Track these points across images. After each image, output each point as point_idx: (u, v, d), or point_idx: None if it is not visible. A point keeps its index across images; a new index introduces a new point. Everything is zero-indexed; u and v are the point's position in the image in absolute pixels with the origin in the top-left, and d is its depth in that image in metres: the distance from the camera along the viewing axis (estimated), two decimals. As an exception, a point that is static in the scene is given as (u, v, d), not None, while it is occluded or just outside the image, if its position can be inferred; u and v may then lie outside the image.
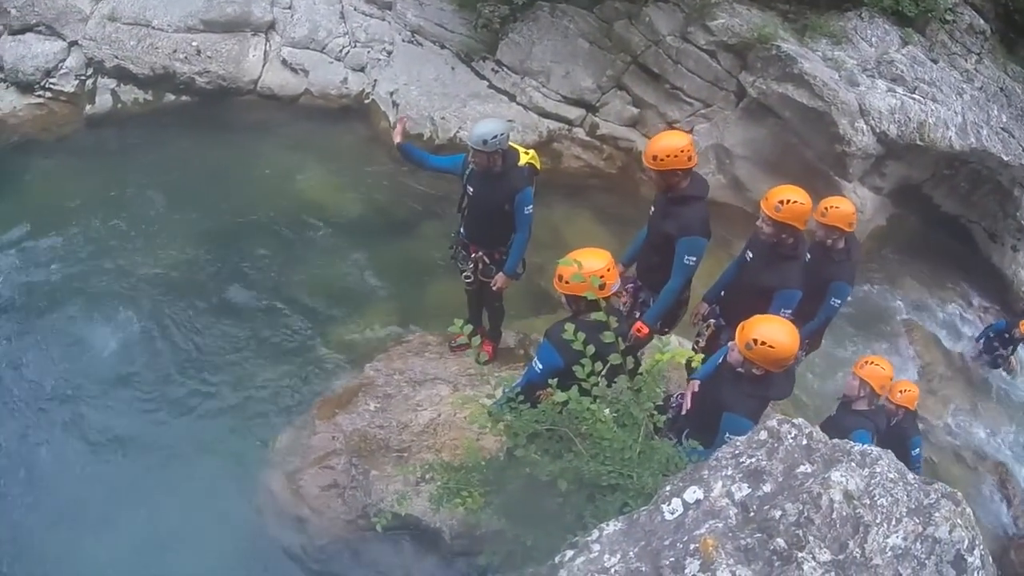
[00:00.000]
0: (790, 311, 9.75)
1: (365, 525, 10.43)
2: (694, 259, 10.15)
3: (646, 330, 10.47)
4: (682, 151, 9.87)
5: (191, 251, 15.81)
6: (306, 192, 17.63)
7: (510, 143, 10.72)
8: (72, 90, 19.24)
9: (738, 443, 5.30)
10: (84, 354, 13.68)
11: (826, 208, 10.52)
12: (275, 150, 18.74)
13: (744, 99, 18.31)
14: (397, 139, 11.16)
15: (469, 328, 7.88)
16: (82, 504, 11.50)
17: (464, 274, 11.54)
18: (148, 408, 12.93)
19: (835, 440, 5.33)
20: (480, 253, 11.22)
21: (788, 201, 9.63)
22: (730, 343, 8.47)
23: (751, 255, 10.50)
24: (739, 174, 17.89)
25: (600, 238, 14.71)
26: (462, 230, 11.39)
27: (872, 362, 11.35)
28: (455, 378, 11.85)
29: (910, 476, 5.02)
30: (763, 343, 7.91)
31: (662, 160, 9.91)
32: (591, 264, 7.70)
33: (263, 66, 19.88)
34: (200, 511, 11.18)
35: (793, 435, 5.25)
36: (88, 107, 19.24)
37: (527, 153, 10.85)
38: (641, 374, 7.36)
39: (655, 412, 7.28)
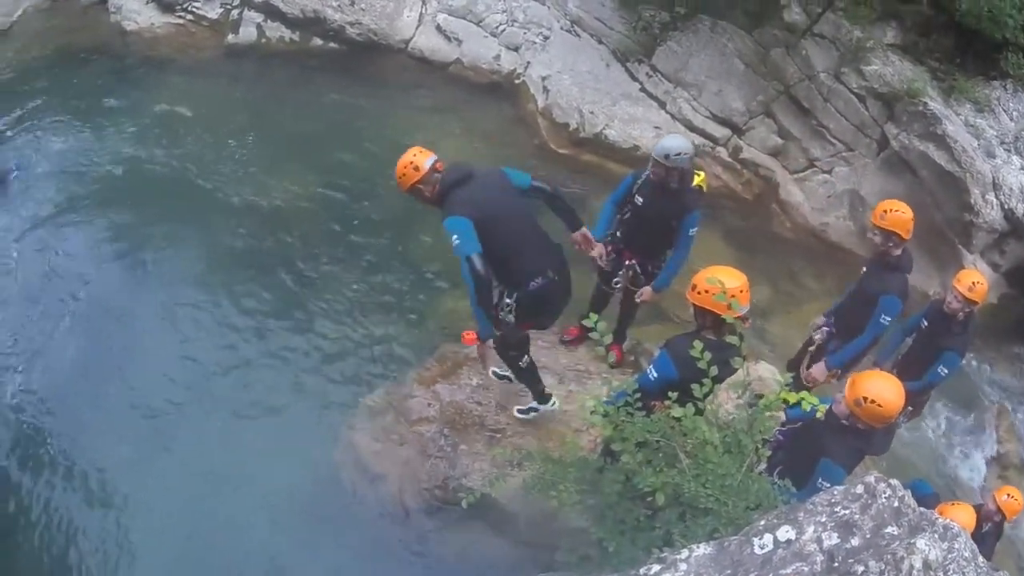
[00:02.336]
0: (891, 318, 10.51)
1: (441, 496, 10.56)
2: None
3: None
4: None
5: (310, 196, 16.16)
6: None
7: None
8: (215, 17, 19.90)
9: (835, 492, 5.34)
10: (188, 282, 14.15)
11: (885, 211, 10.47)
12: (415, 113, 18.92)
13: (886, 150, 18.10)
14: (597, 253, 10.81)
15: (604, 325, 7.69)
16: (164, 435, 11.93)
17: (615, 279, 11.45)
18: (244, 347, 13.23)
19: (923, 509, 5.40)
20: (634, 262, 11.17)
21: (891, 210, 10.44)
22: (837, 395, 8.50)
23: (865, 269, 11.07)
24: (868, 224, 17.84)
25: (725, 260, 14.40)
26: (619, 235, 11.25)
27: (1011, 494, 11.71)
28: (563, 371, 11.74)
29: (980, 559, 5.07)
30: (872, 401, 7.92)
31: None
32: (728, 283, 7.72)
33: (416, 28, 20.15)
34: (275, 456, 11.47)
35: (887, 495, 5.30)
36: (230, 36, 19.82)
37: (698, 175, 10.78)
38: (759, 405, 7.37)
39: (761, 446, 7.30)
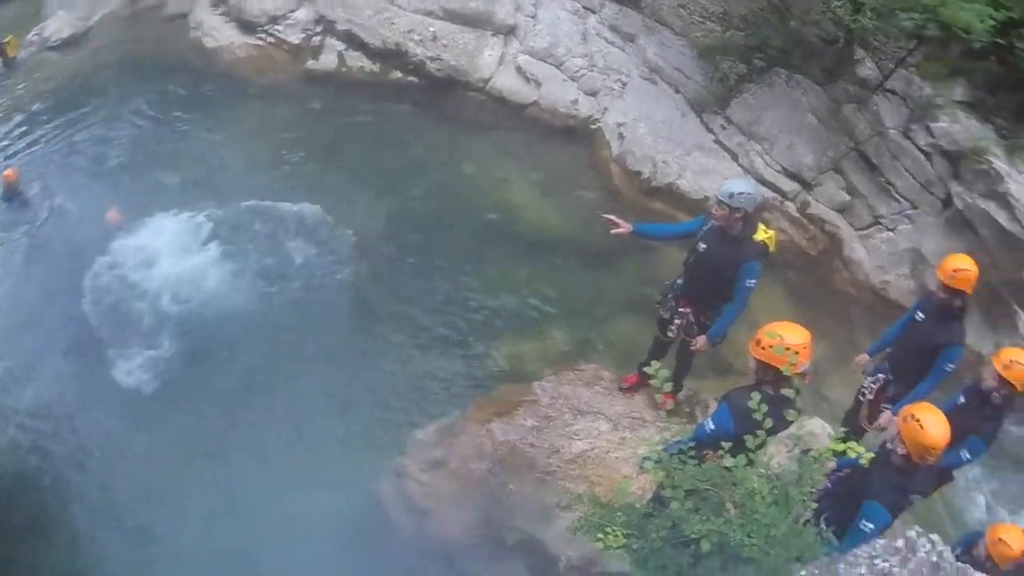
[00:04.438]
0: (954, 366, 10.54)
1: (485, 534, 10.66)
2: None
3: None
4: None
5: (380, 229, 16.26)
6: (512, 201, 17.81)
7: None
8: (297, 41, 20.11)
9: (877, 545, 5.41)
10: (246, 312, 14.33)
11: (1011, 360, 10.13)
12: (490, 152, 18.99)
13: (949, 208, 18.06)
14: (624, 229, 10.90)
15: (664, 373, 7.68)
16: (210, 467, 12.18)
17: (669, 328, 11.43)
18: (297, 375, 13.40)
19: (959, 563, 5.42)
20: (688, 310, 11.22)
21: (961, 269, 10.46)
22: (889, 420, 8.60)
23: (922, 316, 11.01)
24: (929, 282, 17.68)
25: (785, 315, 14.40)
26: (679, 282, 11.30)
27: None
28: (618, 418, 11.69)
29: (1008, 621, 5.11)
30: (916, 419, 8.08)
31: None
32: (791, 339, 7.79)
33: (497, 67, 20.22)
34: (324, 485, 11.58)
35: (927, 549, 5.36)
36: (310, 62, 20.03)
37: (766, 232, 10.71)
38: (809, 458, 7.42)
39: (808, 498, 7.29)
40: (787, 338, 7.74)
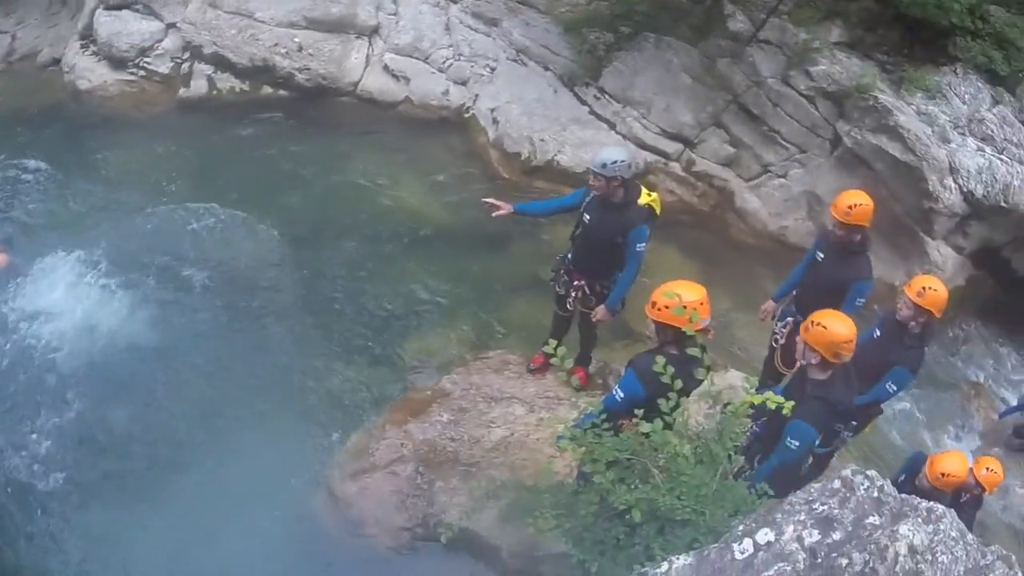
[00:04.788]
0: (863, 300, 10.67)
1: (423, 534, 10.54)
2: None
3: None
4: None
5: (277, 243, 15.93)
6: (396, 200, 17.72)
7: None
8: (167, 71, 19.78)
9: (812, 490, 5.30)
10: (149, 348, 13.79)
11: (924, 288, 10.22)
12: (369, 154, 18.88)
13: (839, 148, 18.22)
14: (505, 211, 11.01)
15: (563, 351, 7.78)
16: (136, 494, 11.69)
17: (567, 302, 11.49)
18: (213, 402, 13.04)
19: (903, 495, 5.34)
20: (582, 283, 11.20)
21: (856, 205, 10.62)
22: (798, 338, 8.71)
23: (822, 255, 11.13)
24: (828, 222, 17.75)
25: (686, 274, 14.28)
26: (570, 256, 11.36)
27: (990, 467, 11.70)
28: (532, 399, 11.79)
29: (969, 536, 5.03)
30: (818, 323, 8.29)
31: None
32: (687, 296, 7.75)
33: (364, 69, 20.12)
34: (256, 507, 11.28)
35: (865, 486, 5.25)
36: (182, 90, 19.67)
37: (649, 195, 10.83)
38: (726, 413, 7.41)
39: (733, 453, 7.31)
40: (683, 296, 7.73)
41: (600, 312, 11.01)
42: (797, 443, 8.24)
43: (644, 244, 10.46)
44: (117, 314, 14.17)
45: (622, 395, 8.00)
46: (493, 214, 10.86)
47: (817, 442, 8.59)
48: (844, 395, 8.66)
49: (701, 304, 7.82)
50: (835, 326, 8.30)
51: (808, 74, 18.15)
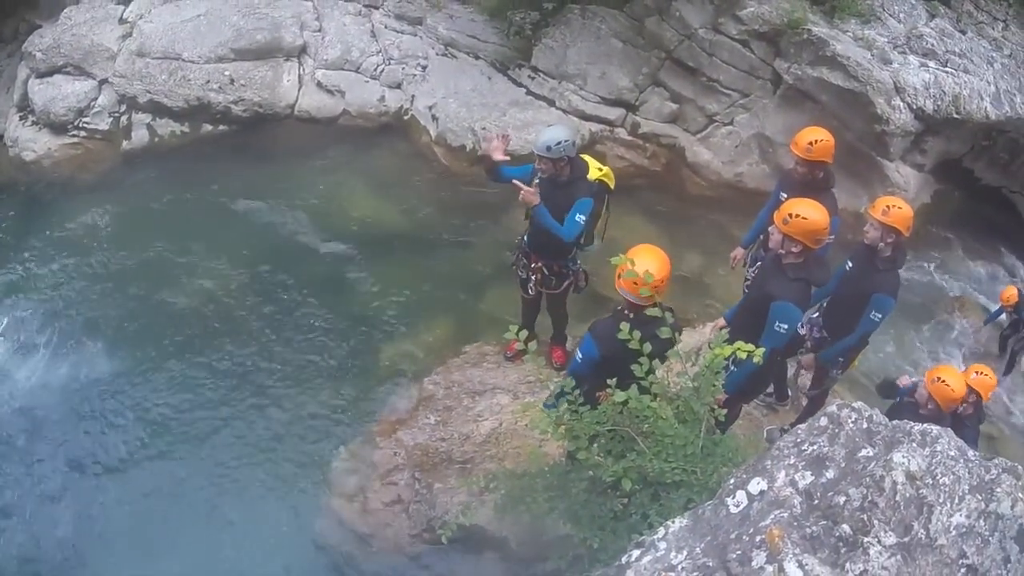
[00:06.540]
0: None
1: (431, 539, 10.54)
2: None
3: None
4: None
5: (238, 279, 15.90)
6: (352, 212, 17.63)
7: (586, 157, 11.05)
8: (107, 127, 19.46)
9: (799, 432, 5.27)
10: (131, 387, 13.83)
11: (888, 206, 10.12)
12: (317, 172, 18.80)
13: (781, 86, 18.18)
14: (498, 156, 11.00)
15: (524, 334, 7.90)
16: (138, 529, 11.72)
17: (529, 286, 11.57)
18: (201, 438, 13.02)
19: (895, 422, 5.30)
20: (540, 264, 11.27)
21: (817, 140, 10.74)
22: (770, 227, 9.11)
23: (785, 195, 10.75)
24: (783, 162, 17.54)
25: (651, 236, 14.29)
26: (526, 239, 11.46)
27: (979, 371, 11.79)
28: (514, 386, 11.91)
29: (970, 453, 4.97)
30: (798, 215, 8.78)
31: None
32: (644, 262, 7.89)
33: (298, 90, 19.95)
34: (260, 537, 11.38)
35: (854, 419, 5.22)
36: (124, 143, 19.40)
37: (600, 169, 10.95)
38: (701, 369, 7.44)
39: (715, 407, 7.33)
40: (639, 263, 7.92)
41: (526, 194, 10.45)
42: (786, 326, 8.65)
43: (585, 216, 10.50)
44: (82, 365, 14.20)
45: (580, 356, 8.47)
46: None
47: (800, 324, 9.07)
48: (821, 274, 8.99)
49: (648, 272, 7.89)
50: (812, 214, 8.83)
51: (738, 18, 18.01)
